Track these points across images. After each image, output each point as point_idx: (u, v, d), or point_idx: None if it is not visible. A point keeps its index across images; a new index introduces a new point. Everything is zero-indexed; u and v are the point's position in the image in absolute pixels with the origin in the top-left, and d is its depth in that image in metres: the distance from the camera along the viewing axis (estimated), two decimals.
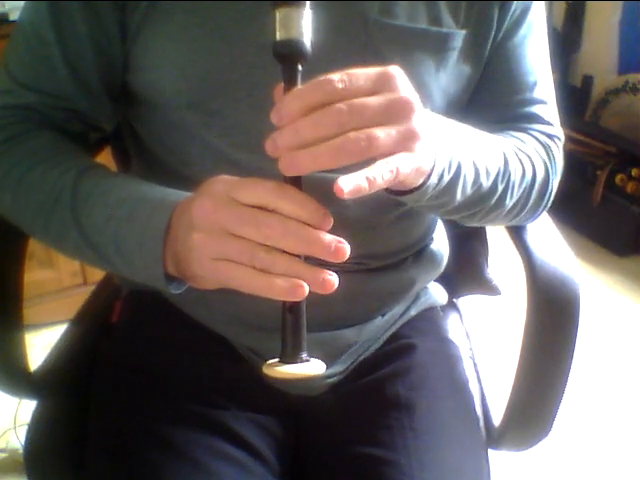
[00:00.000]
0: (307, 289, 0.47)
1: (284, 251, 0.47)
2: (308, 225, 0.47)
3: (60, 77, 0.65)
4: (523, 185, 0.69)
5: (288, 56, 0.49)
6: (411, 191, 0.54)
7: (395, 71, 0.48)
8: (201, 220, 0.49)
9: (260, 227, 0.47)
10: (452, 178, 0.58)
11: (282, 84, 0.49)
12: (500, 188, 0.65)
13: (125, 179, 0.62)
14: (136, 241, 0.56)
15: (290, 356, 0.50)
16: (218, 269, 0.49)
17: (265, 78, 0.50)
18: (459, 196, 0.60)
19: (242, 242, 0.48)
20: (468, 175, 0.60)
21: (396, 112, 0.47)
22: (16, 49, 0.67)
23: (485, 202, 0.66)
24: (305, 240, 0.47)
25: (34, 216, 0.63)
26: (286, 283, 0.47)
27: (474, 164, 0.61)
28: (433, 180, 0.54)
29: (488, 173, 0.63)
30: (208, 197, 0.50)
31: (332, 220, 0.48)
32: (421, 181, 0.53)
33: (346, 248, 0.47)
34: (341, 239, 0.47)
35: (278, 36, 0.49)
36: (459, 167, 0.58)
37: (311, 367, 0.50)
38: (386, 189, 0.55)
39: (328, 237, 0.47)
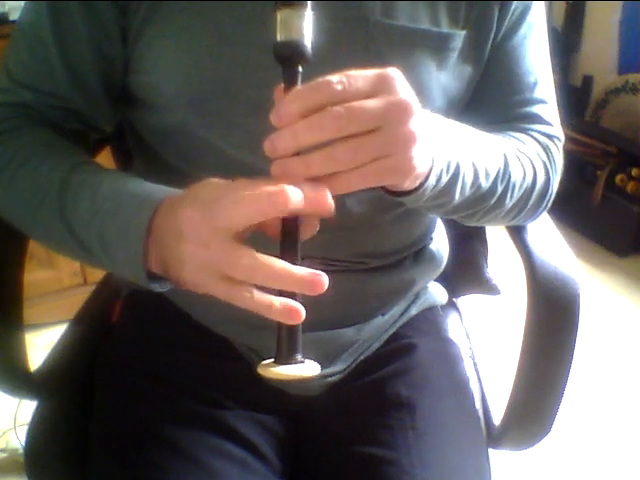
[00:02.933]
0: (303, 313, 0.47)
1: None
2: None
3: (59, 78, 0.64)
4: (524, 186, 0.69)
5: (289, 57, 0.49)
6: (409, 192, 0.54)
7: (394, 73, 0.48)
8: (190, 231, 0.49)
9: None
10: (450, 179, 0.57)
11: (282, 85, 0.49)
12: (500, 189, 0.65)
13: (115, 174, 0.62)
14: (119, 236, 0.54)
15: (285, 357, 0.50)
16: (209, 282, 0.49)
17: (266, 79, 0.50)
18: (457, 196, 0.60)
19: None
20: (467, 176, 0.60)
21: (394, 115, 0.47)
22: (15, 49, 0.67)
23: (484, 202, 0.66)
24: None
25: (24, 211, 0.63)
26: (282, 306, 0.47)
27: (473, 165, 0.61)
28: (431, 181, 0.54)
29: (487, 174, 0.63)
30: (195, 207, 0.49)
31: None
32: (419, 183, 0.54)
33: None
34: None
35: (279, 37, 0.49)
36: (457, 168, 0.58)
37: (305, 368, 0.50)
38: (384, 189, 0.55)
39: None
